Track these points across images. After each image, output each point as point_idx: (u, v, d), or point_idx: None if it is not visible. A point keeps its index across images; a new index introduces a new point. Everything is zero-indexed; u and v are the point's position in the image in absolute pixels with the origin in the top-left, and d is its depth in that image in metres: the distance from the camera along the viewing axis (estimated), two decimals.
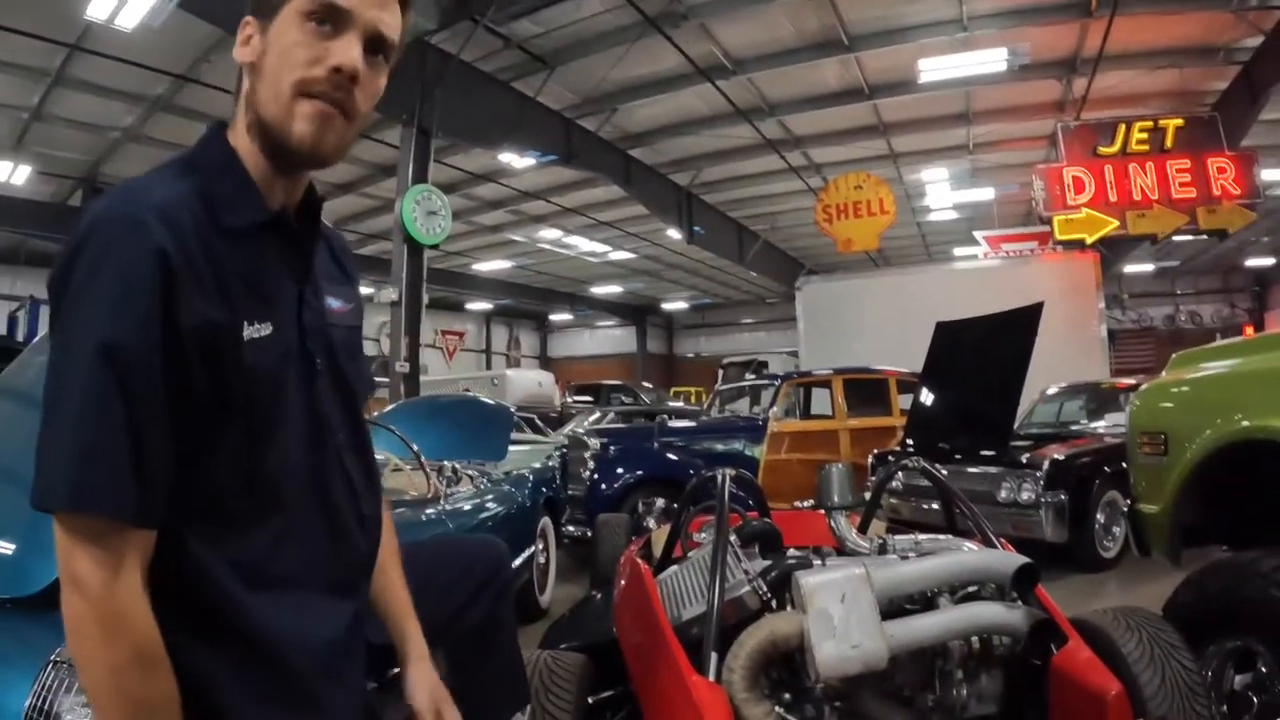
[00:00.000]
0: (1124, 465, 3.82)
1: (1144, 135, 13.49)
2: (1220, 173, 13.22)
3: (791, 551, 2.75)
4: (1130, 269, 24.32)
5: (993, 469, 6.86)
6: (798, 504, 4.18)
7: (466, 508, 4.80)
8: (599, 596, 4.03)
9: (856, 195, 16.77)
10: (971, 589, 2.33)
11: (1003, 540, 2.72)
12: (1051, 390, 9.52)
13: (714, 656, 2.06)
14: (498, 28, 11.94)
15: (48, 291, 1.20)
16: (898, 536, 2.78)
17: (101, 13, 9.33)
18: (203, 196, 1.25)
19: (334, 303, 1.48)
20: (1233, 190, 13.20)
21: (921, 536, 2.76)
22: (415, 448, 4.65)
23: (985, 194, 19.82)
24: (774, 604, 2.28)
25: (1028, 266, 15.24)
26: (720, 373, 22.80)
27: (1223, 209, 13.24)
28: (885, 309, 13.96)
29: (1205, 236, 14.53)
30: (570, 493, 7.84)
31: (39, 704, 1.89)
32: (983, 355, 6.65)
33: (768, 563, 2.45)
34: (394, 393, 11.68)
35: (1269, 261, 27.65)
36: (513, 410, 7.32)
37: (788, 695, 2.14)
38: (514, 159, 15.83)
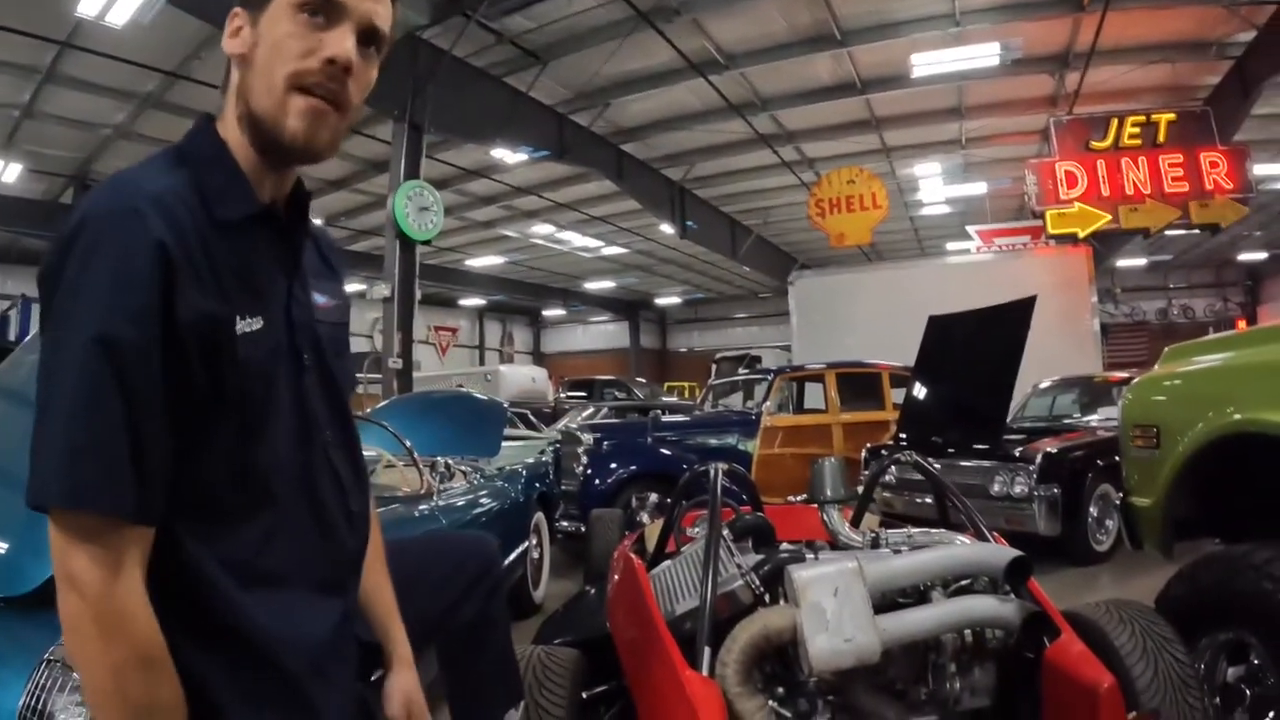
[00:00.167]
0: (1117, 459, 3.83)
1: (1136, 130, 13.53)
2: (1213, 167, 13.27)
3: (784, 546, 2.76)
4: (1123, 263, 24.36)
5: (986, 463, 6.87)
6: (791, 498, 4.17)
7: (460, 504, 4.80)
8: (593, 592, 4.03)
9: (849, 190, 16.77)
10: (964, 582, 2.32)
11: (995, 534, 2.73)
12: (1044, 384, 9.53)
13: (707, 651, 2.06)
14: (490, 23, 11.91)
15: (38, 286, 1.18)
16: (890, 530, 2.78)
17: (92, 9, 9.31)
18: (196, 188, 1.24)
19: (320, 298, 1.47)
20: (1225, 185, 13.25)
21: (914, 530, 2.77)
22: (408, 444, 4.64)
23: (978, 189, 19.86)
24: (767, 598, 2.28)
25: (1020, 261, 15.27)
26: (713, 367, 22.83)
27: (1215, 203, 13.29)
28: (878, 303, 13.98)
29: (1198, 231, 14.59)
30: (564, 488, 7.84)
31: (33, 703, 1.89)
32: (975, 349, 6.64)
33: (760, 557, 2.45)
34: (387, 389, 11.65)
35: (1261, 256, 27.77)
36: (506, 406, 7.32)
37: (781, 689, 2.13)
38: (506, 154, 15.78)
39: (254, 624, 1.24)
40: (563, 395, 22.28)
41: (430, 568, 1.89)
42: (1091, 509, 6.77)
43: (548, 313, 39.79)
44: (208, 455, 1.22)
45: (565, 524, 7.64)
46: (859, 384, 9.75)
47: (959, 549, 2.38)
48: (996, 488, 6.73)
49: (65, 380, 1.10)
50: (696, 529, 3.22)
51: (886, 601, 2.18)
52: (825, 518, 2.83)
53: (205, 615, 1.21)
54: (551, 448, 8.26)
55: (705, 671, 2.01)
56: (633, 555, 3.17)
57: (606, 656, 2.80)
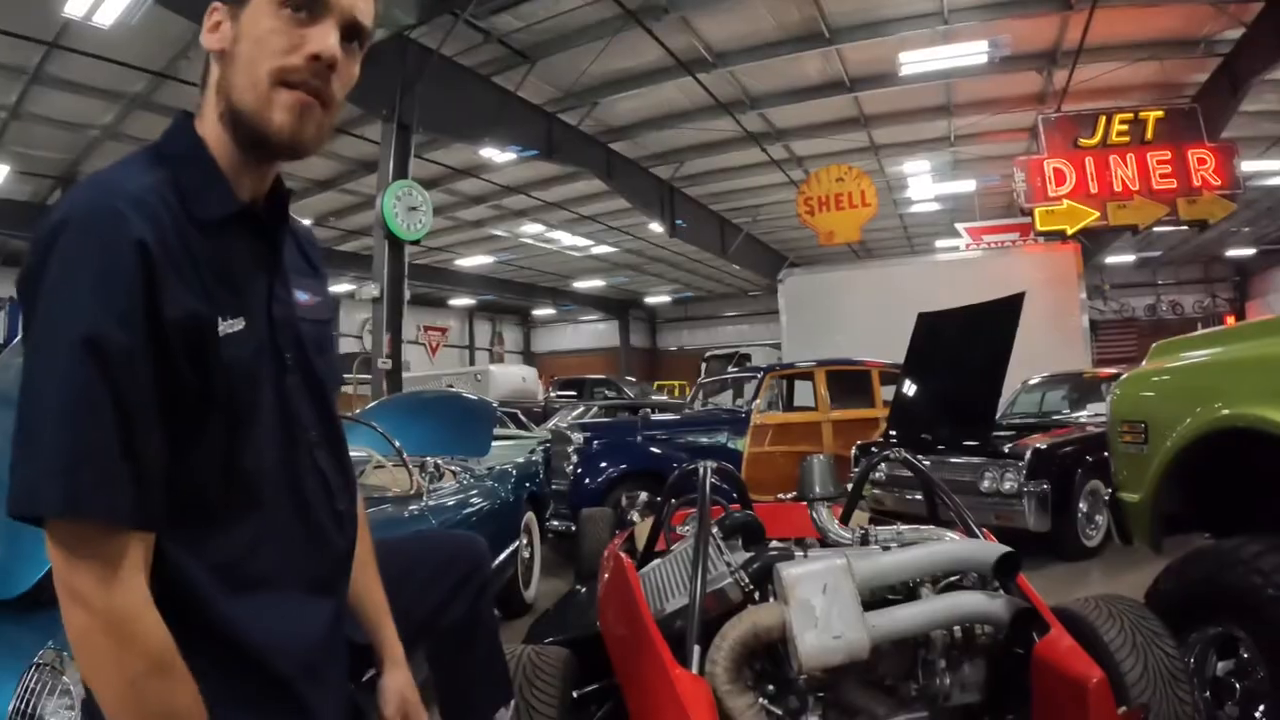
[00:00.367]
0: (1106, 454, 3.83)
1: (1124, 127, 13.56)
2: (1200, 164, 13.30)
3: (774, 543, 2.76)
4: (1112, 260, 24.42)
5: (975, 459, 6.89)
6: (780, 496, 4.17)
7: (450, 504, 4.79)
8: (583, 590, 4.04)
9: (838, 187, 16.78)
10: (953, 579, 2.33)
11: (985, 530, 2.73)
12: (1033, 380, 9.57)
13: (697, 649, 2.06)
14: (478, 22, 11.89)
15: (18, 288, 1.16)
16: (880, 527, 2.78)
17: (79, 10, 9.24)
18: (176, 187, 1.22)
19: (303, 296, 1.45)
20: (1213, 181, 13.28)
21: (903, 527, 2.77)
22: (398, 444, 4.63)
23: (967, 186, 19.88)
24: (756, 596, 2.28)
25: (1009, 258, 15.34)
26: (703, 366, 22.84)
27: (1203, 200, 13.32)
28: (867, 301, 14.03)
29: (1186, 227, 14.63)
30: (554, 487, 7.85)
31: (22, 707, 1.87)
32: (965, 346, 6.66)
33: (750, 555, 2.45)
34: (376, 390, 11.60)
35: (1249, 252, 27.88)
36: (496, 405, 7.31)
37: (771, 686, 2.14)
38: (495, 154, 15.75)
39: (244, 627, 1.22)
40: (553, 394, 22.29)
41: (418, 567, 1.88)
42: (1081, 504, 6.79)
43: (537, 312, 39.76)
44: (193, 459, 1.20)
45: (556, 523, 7.64)
46: (849, 381, 9.76)
47: (948, 545, 2.39)
48: (986, 484, 6.74)
49: (52, 382, 1.07)
50: (686, 527, 3.22)
51: (876, 598, 2.19)
52: (814, 515, 2.83)
53: (194, 620, 1.19)
54: (541, 447, 8.28)
55: (695, 669, 2.01)
56: (623, 554, 3.17)
57: (597, 655, 2.81)
